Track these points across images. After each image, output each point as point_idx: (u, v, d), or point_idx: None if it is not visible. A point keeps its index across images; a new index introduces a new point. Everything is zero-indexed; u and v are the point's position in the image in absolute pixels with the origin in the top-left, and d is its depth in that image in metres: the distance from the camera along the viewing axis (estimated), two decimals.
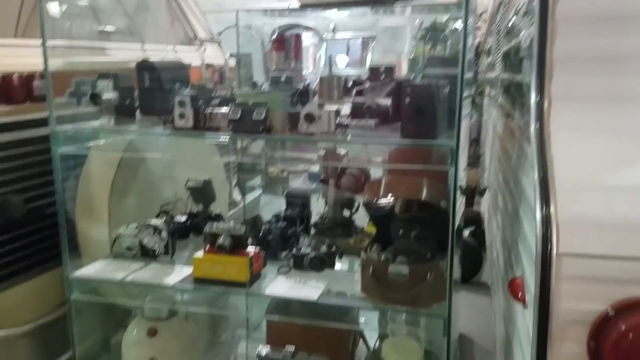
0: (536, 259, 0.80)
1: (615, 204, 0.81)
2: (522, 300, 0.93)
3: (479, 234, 3.28)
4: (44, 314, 1.71)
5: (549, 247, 0.80)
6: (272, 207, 1.72)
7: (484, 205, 3.17)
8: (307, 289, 1.28)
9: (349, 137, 1.19)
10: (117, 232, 1.44)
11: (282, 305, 1.54)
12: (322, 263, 1.37)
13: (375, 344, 1.48)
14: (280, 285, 1.30)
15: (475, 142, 4.34)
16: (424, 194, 1.20)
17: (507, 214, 1.38)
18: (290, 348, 1.49)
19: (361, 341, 1.62)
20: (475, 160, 4.08)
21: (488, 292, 2.37)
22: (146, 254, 1.44)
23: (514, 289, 0.95)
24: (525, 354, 0.95)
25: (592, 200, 0.82)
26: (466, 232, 3.39)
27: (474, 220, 3.45)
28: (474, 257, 3.18)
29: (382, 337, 1.41)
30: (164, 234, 1.42)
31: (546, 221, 0.81)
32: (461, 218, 1.81)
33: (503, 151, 1.65)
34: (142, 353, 1.39)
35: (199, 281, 1.29)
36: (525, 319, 0.95)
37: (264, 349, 1.51)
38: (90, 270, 1.38)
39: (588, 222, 0.80)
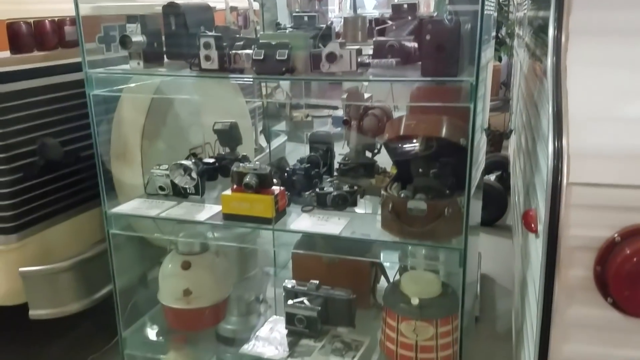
0: (547, 188, 0.83)
1: (626, 135, 0.83)
2: (535, 231, 0.97)
3: (505, 179, 3.28)
4: (84, 250, 1.83)
5: (559, 177, 0.83)
6: (297, 153, 1.77)
7: (511, 149, 3.15)
8: (329, 225, 1.34)
9: (370, 76, 1.21)
10: (150, 172, 1.52)
11: (308, 243, 1.61)
12: (344, 201, 1.42)
13: (394, 278, 1.54)
14: (304, 221, 1.36)
15: (505, 85, 4.27)
16: (444, 132, 1.22)
17: (527, 153, 1.40)
18: (315, 282, 1.57)
19: (382, 276, 1.69)
20: (504, 104, 4.03)
21: (511, 234, 2.40)
22: (178, 194, 1.52)
23: (528, 220, 0.99)
24: (536, 282, 1.00)
25: (603, 131, 0.84)
26: (492, 177, 3.40)
27: (501, 164, 3.45)
28: (499, 201, 3.20)
29: (401, 270, 1.48)
30: (194, 174, 1.49)
31: (558, 152, 0.83)
32: (482, 157, 1.82)
33: (527, 91, 1.64)
34: (177, 284, 1.49)
35: (228, 217, 1.36)
36: (537, 249, 0.98)
37: (290, 283, 1.60)
38: (127, 207, 1.46)
39: (598, 153, 0.82)
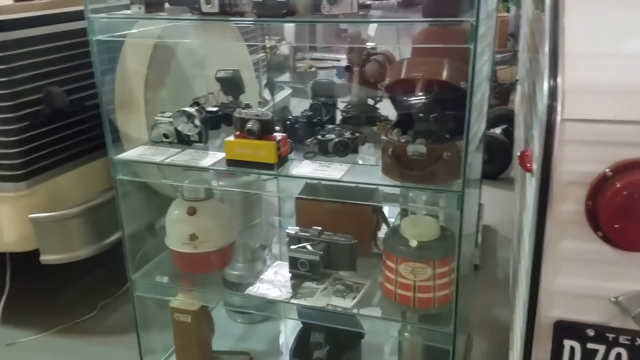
0: (541, 125, 0.85)
1: (621, 71, 0.83)
2: (530, 170, 0.99)
3: (511, 132, 3.28)
4: (92, 198, 1.88)
5: (554, 114, 0.84)
6: (302, 107, 1.78)
7: (516, 101, 3.14)
8: (331, 170, 1.36)
9: (371, 18, 1.21)
10: (154, 119, 1.54)
11: (312, 191, 1.65)
12: (345, 147, 1.44)
13: (394, 222, 1.57)
14: (306, 167, 1.38)
15: (513, 37, 4.20)
16: (444, 75, 1.23)
17: (528, 97, 1.41)
18: (317, 228, 1.61)
19: (383, 224, 1.72)
20: (512, 57, 3.98)
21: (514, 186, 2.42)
22: (182, 141, 1.54)
23: (524, 160, 1.01)
24: (531, 220, 1.02)
25: (599, 67, 0.84)
26: (498, 130, 3.40)
27: (507, 118, 3.44)
28: (504, 154, 3.21)
29: (401, 215, 1.51)
30: (197, 121, 1.51)
31: (553, 89, 0.84)
32: (485, 107, 1.83)
33: (531, 37, 1.63)
34: (184, 229, 1.53)
35: (231, 163, 1.39)
36: (532, 188, 1.00)
37: (293, 229, 1.63)
38: (132, 154, 1.49)
39: (593, 89, 0.83)
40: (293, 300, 1.47)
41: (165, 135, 1.55)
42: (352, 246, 1.56)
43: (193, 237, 1.53)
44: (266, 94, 2.58)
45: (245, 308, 1.91)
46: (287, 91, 2.86)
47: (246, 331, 1.94)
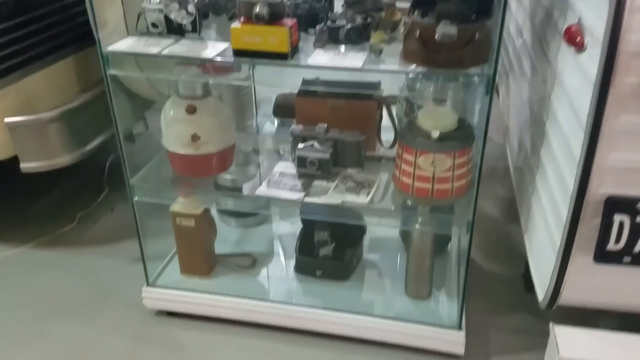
0: None
1: None
2: (581, 45, 0.95)
3: None
4: (68, 100, 1.72)
5: None
6: None
7: None
8: (348, 59, 1.27)
9: None
10: (141, 7, 1.38)
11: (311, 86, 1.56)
12: (358, 35, 1.35)
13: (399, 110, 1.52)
14: (321, 57, 1.29)
15: None
16: None
17: None
18: (323, 125, 1.54)
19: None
20: None
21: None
22: (173, 31, 1.39)
23: (572, 36, 0.96)
24: (578, 101, 1.00)
25: None
26: None
27: None
28: None
29: (416, 108, 1.46)
30: (191, 7, 1.36)
31: None
32: None
33: None
34: (184, 129, 1.43)
35: (239, 53, 1.27)
36: (583, 65, 0.97)
37: (297, 128, 1.57)
38: (123, 45, 1.34)
39: None
40: (307, 199, 1.43)
41: (154, 25, 1.40)
42: (360, 143, 1.52)
43: (195, 138, 1.44)
44: None
45: (240, 209, 1.87)
46: None
47: (242, 235, 1.91)
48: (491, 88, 1.17)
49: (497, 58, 1.14)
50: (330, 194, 1.45)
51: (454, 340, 1.48)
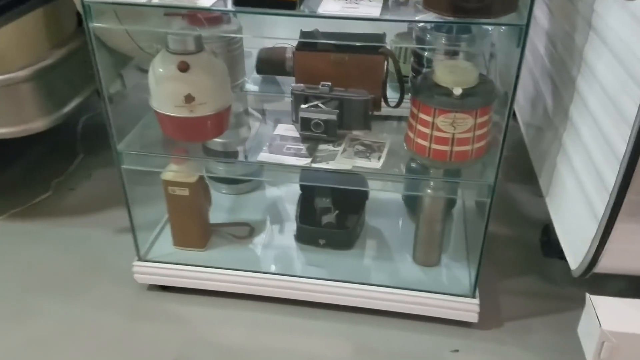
0: None
1: None
2: None
3: None
4: (41, 58, 1.55)
5: None
6: None
7: None
8: (363, 7, 1.14)
9: None
10: None
11: (310, 38, 1.44)
12: None
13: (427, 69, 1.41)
14: (332, 5, 1.15)
15: None
16: None
17: None
18: (327, 83, 1.42)
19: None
20: None
21: None
22: None
23: None
24: (629, 52, 0.90)
25: None
26: None
27: None
28: None
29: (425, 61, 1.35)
30: None
31: None
32: None
33: None
34: (177, 89, 1.29)
35: (240, 2, 1.13)
36: (632, 12, 0.87)
37: (298, 87, 1.44)
38: None
39: None
40: (314, 165, 1.32)
41: None
42: (368, 102, 1.41)
43: (189, 99, 1.30)
44: None
45: (235, 176, 1.75)
46: None
47: (235, 202, 1.80)
48: (524, 39, 1.07)
49: (532, 5, 1.03)
50: (339, 159, 1.34)
51: (468, 309, 1.42)
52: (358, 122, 1.43)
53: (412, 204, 1.69)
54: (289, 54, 1.62)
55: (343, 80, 1.46)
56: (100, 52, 1.63)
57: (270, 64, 1.68)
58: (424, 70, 1.48)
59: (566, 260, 1.40)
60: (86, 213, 1.92)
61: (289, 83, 1.52)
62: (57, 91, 1.56)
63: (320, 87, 1.42)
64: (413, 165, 1.42)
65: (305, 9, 1.14)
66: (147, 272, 1.55)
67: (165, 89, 1.31)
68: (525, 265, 1.66)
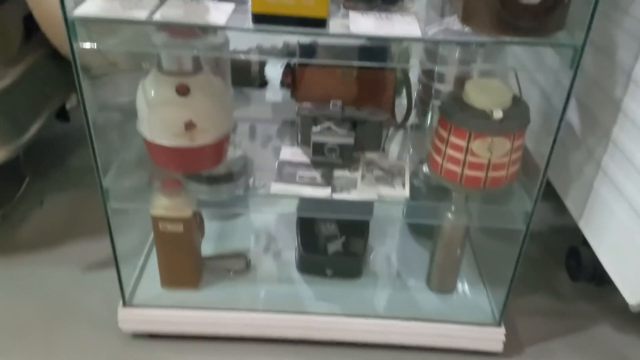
0: None
1: None
2: None
3: None
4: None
5: None
6: None
7: None
8: (396, 24, 1.02)
9: None
10: None
11: (311, 53, 1.29)
12: None
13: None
14: (364, 22, 1.02)
15: None
16: None
17: None
18: (337, 101, 1.29)
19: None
20: None
21: None
22: None
23: None
24: None
25: None
26: None
27: None
28: None
29: (458, 80, 1.25)
30: None
31: None
32: None
33: None
34: (176, 115, 1.11)
35: (260, 19, 0.97)
36: None
37: (304, 107, 1.30)
38: (94, 8, 0.98)
39: None
40: (335, 196, 1.19)
41: None
42: (382, 123, 1.30)
43: (190, 126, 1.12)
44: None
45: (223, 205, 1.58)
46: None
47: (223, 228, 1.63)
48: (578, 60, 0.98)
49: (591, 23, 0.95)
50: (361, 187, 1.21)
51: (494, 338, 1.35)
52: (373, 144, 1.31)
53: (416, 225, 1.60)
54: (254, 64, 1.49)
55: (350, 96, 1.33)
56: (56, 64, 1.41)
57: (242, 75, 1.54)
58: (434, 84, 1.38)
59: (597, 284, 1.35)
60: (43, 248, 1.68)
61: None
62: (15, 116, 1.32)
63: (331, 106, 1.28)
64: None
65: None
66: (133, 318, 1.36)
67: (160, 116, 1.12)
68: (532, 282, 1.61)
